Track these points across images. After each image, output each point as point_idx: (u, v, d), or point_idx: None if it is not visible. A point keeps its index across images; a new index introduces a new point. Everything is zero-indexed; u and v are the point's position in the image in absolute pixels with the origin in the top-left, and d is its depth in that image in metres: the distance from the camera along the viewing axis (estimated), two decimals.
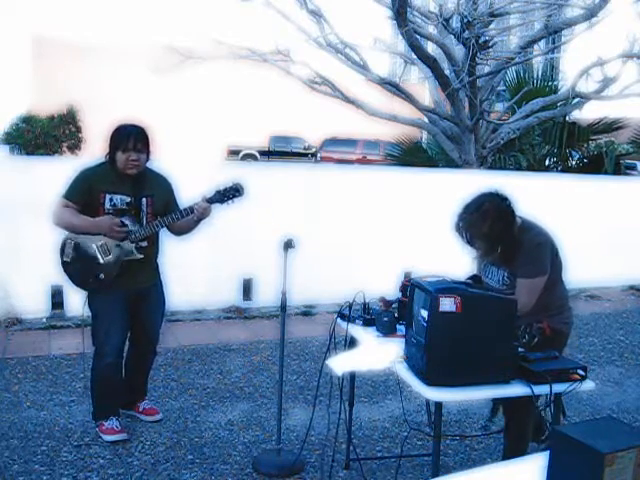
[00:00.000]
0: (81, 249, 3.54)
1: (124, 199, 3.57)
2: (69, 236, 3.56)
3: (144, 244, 3.63)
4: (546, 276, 3.07)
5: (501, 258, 3.12)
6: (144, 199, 3.64)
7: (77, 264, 3.55)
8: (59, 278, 3.73)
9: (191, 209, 3.62)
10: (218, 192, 3.63)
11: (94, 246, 3.53)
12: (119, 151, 3.53)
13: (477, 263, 3.36)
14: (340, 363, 2.91)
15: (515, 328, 2.65)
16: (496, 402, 3.62)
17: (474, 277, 3.28)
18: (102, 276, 3.55)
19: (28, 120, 22.69)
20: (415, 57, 9.51)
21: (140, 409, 3.97)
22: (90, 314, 3.67)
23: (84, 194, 3.53)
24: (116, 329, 3.63)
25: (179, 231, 3.77)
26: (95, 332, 3.65)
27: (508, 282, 3.12)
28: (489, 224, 2.96)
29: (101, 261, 3.54)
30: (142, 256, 3.62)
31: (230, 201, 3.65)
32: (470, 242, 3.06)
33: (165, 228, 3.68)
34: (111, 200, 3.55)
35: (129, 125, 3.64)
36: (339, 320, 3.24)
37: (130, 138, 3.54)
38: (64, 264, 3.58)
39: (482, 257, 3.15)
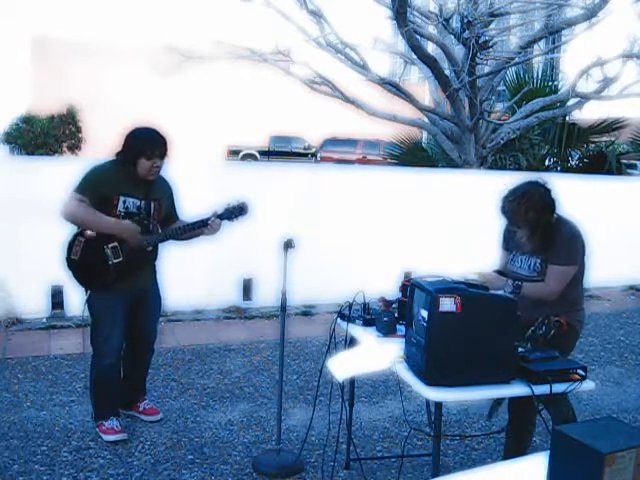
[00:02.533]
0: (92, 249, 3.50)
1: (136, 202, 3.56)
2: (79, 234, 3.52)
3: (149, 248, 3.66)
4: (576, 267, 3.14)
5: (537, 245, 3.18)
6: (152, 203, 3.65)
7: (85, 263, 3.52)
8: (59, 278, 3.73)
9: (204, 223, 3.67)
10: (227, 209, 3.71)
11: (105, 247, 3.50)
12: (143, 158, 3.50)
13: (503, 255, 3.42)
14: (341, 368, 2.91)
15: (516, 327, 2.66)
16: (495, 403, 3.62)
17: (498, 272, 3.30)
18: (108, 277, 3.53)
19: (28, 120, 22.69)
20: (415, 57, 9.51)
21: (140, 409, 3.97)
22: (90, 315, 3.65)
23: (97, 192, 3.48)
24: (117, 331, 3.62)
25: (181, 239, 3.80)
26: (95, 334, 3.64)
27: (540, 269, 3.17)
28: (532, 211, 3.09)
29: (110, 262, 3.52)
30: (151, 258, 3.70)
31: (236, 219, 3.73)
32: (513, 224, 3.20)
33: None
34: (124, 203, 3.53)
35: (153, 130, 3.63)
36: (339, 320, 3.24)
37: (158, 146, 3.56)
38: (71, 262, 3.53)
39: (522, 241, 3.22)
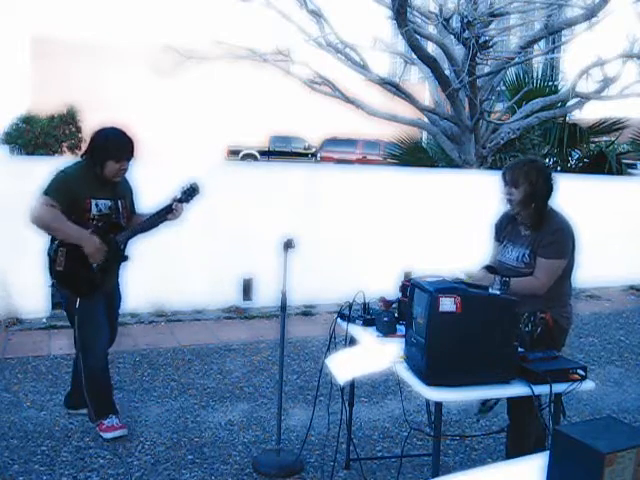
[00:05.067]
0: (75, 256, 3.48)
1: (107, 203, 3.58)
2: (60, 244, 3.48)
3: (122, 246, 3.70)
4: (565, 261, 3.13)
5: (529, 218, 3.20)
6: (119, 201, 3.67)
7: (71, 272, 3.50)
8: None
9: (169, 209, 3.67)
10: (184, 192, 3.72)
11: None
12: (111, 160, 3.50)
13: (495, 247, 3.41)
14: (342, 371, 2.90)
15: (519, 316, 2.66)
16: (483, 407, 3.64)
17: (488, 267, 3.30)
18: (95, 281, 3.56)
19: (28, 120, 22.72)
20: (415, 57, 9.51)
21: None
22: (74, 321, 3.61)
23: (69, 196, 3.46)
24: (104, 332, 3.67)
25: (148, 231, 3.80)
26: (84, 338, 3.60)
27: (528, 260, 3.17)
28: (535, 171, 3.15)
29: (94, 265, 3.54)
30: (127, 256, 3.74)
31: (192, 199, 3.73)
32: (512, 185, 3.17)
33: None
34: (97, 206, 3.54)
35: (120, 132, 3.61)
36: (339, 320, 3.24)
37: (127, 148, 3.56)
38: (58, 273, 3.51)
39: (515, 207, 3.22)
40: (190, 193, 3.72)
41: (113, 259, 3.64)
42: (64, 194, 3.44)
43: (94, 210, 3.53)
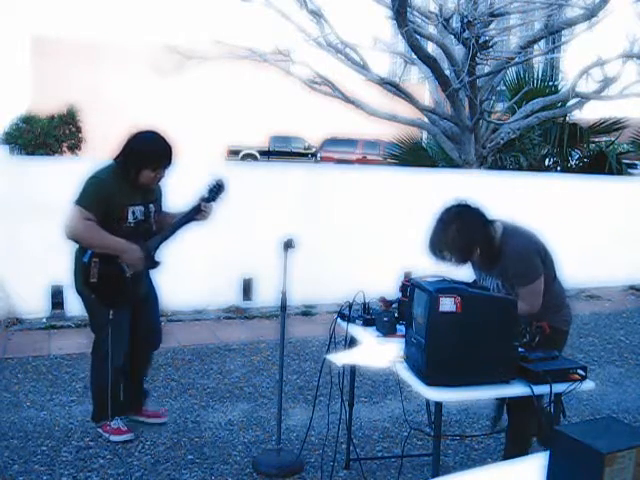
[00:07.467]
0: (108, 266, 3.36)
1: (141, 209, 3.45)
2: (93, 255, 3.35)
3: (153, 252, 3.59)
4: (541, 277, 3.07)
5: (484, 264, 3.12)
6: (151, 205, 3.53)
7: (105, 283, 3.38)
8: (59, 278, 3.70)
9: (197, 210, 3.54)
10: (210, 190, 3.58)
11: (120, 260, 3.39)
12: (148, 169, 3.35)
13: (474, 272, 3.36)
14: (340, 356, 2.92)
15: (516, 327, 2.66)
16: (499, 409, 3.63)
17: (473, 283, 3.29)
18: (128, 290, 3.47)
19: (28, 120, 22.73)
20: (415, 57, 9.51)
21: (146, 412, 3.93)
22: (95, 323, 3.59)
23: (103, 205, 3.29)
24: (125, 333, 3.58)
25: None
26: (105, 341, 3.48)
27: (502, 289, 3.13)
28: (454, 231, 2.94)
29: (128, 275, 3.44)
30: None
31: (218, 198, 3.60)
32: (442, 257, 3.02)
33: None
34: (133, 213, 3.41)
35: (159, 138, 3.43)
36: (339, 320, 3.24)
37: (164, 157, 3.40)
38: (92, 285, 3.37)
39: (467, 264, 3.13)
40: (217, 191, 3.56)
41: (145, 267, 3.53)
42: (99, 203, 3.28)
43: (130, 218, 3.39)
